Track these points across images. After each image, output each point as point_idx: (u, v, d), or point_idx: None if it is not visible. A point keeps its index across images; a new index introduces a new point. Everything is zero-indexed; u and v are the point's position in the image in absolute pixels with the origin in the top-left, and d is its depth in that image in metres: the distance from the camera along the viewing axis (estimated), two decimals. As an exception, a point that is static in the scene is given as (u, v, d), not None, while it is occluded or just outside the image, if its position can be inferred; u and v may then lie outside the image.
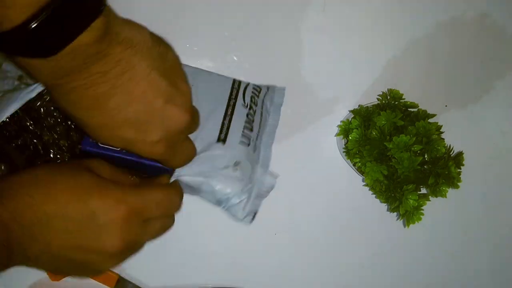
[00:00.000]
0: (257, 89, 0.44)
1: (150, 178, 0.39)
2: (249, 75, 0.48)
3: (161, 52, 0.31)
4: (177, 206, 0.36)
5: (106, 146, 0.37)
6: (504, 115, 0.51)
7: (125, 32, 0.29)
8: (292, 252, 0.49)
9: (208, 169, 0.39)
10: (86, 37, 0.26)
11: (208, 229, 0.47)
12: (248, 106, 0.42)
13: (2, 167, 0.39)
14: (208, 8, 0.47)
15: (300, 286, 0.49)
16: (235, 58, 0.48)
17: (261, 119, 0.43)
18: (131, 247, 0.33)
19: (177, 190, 0.37)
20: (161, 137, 0.32)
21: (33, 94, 0.37)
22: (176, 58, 0.33)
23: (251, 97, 0.43)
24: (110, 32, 0.28)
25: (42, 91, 0.37)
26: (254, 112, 0.42)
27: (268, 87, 0.45)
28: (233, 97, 0.42)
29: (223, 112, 0.41)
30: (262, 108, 0.44)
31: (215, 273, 0.48)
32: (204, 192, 0.40)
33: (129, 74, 0.29)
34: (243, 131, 0.41)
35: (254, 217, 0.41)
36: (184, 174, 0.39)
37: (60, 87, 0.29)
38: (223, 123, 0.41)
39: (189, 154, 0.38)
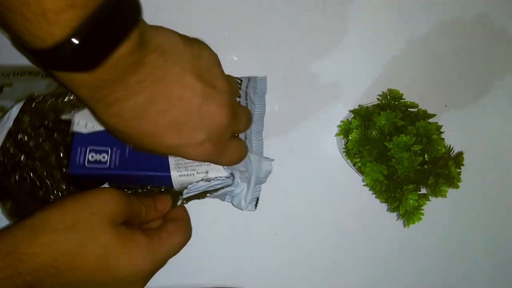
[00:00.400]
0: (238, 81, 0.44)
1: (155, 200, 0.39)
2: (249, 75, 0.48)
3: (194, 53, 0.32)
4: (189, 239, 0.39)
5: (94, 166, 0.38)
6: (504, 115, 0.51)
7: (156, 39, 0.29)
8: (292, 252, 0.49)
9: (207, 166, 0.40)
10: (123, 48, 0.26)
11: (208, 229, 0.47)
12: None
13: (9, 205, 0.39)
14: (208, 8, 0.47)
15: (300, 286, 0.49)
16: (235, 58, 0.48)
17: None
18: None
19: (189, 228, 0.39)
20: (205, 137, 0.32)
21: (10, 123, 0.37)
22: (211, 57, 0.34)
23: None
24: (144, 40, 0.28)
25: (18, 117, 0.38)
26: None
27: (249, 78, 0.46)
28: None
29: None
30: (246, 99, 0.44)
31: (215, 273, 0.48)
32: (210, 193, 0.40)
33: (165, 81, 0.30)
34: None
35: (257, 203, 0.42)
36: (191, 191, 0.40)
37: (101, 102, 0.29)
38: None
39: (240, 152, 0.38)
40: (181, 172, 0.39)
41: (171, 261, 0.47)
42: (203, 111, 0.32)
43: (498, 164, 0.51)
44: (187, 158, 0.35)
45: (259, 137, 0.44)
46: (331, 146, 0.49)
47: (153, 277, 0.47)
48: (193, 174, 0.39)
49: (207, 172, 0.39)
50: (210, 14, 0.47)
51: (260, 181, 0.43)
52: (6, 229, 0.31)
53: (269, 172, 0.43)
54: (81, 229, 0.31)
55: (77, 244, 0.31)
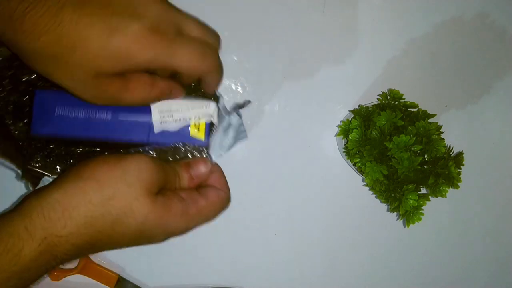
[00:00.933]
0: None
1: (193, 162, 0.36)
2: (249, 75, 0.48)
3: None
4: (226, 209, 0.37)
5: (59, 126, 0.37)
6: (504, 115, 0.51)
7: None
8: (292, 252, 0.49)
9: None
10: None
11: (208, 229, 0.47)
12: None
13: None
14: (208, 8, 0.47)
15: (300, 286, 0.49)
16: (235, 58, 0.48)
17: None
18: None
19: (229, 199, 0.36)
20: (142, 24, 0.29)
21: None
22: None
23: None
24: None
25: None
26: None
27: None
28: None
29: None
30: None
31: (215, 273, 0.48)
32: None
33: None
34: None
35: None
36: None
37: (8, 22, 0.27)
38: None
39: (201, 50, 0.32)
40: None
41: (172, 261, 0.47)
42: None
43: (498, 164, 0.51)
44: (133, 60, 0.29)
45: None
46: (331, 146, 0.49)
47: (153, 277, 0.47)
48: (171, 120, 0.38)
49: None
50: (210, 14, 0.47)
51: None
52: (35, 204, 0.28)
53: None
54: (118, 202, 0.29)
55: (114, 220, 0.29)
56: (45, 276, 0.30)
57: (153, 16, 0.29)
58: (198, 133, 0.38)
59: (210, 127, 0.39)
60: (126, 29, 0.28)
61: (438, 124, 0.43)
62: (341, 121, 0.45)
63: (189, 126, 0.38)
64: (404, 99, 0.44)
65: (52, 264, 0.28)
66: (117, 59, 0.29)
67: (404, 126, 0.41)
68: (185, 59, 0.31)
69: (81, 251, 0.29)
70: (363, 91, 0.49)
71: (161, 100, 0.35)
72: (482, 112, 0.50)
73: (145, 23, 0.29)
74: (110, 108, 0.38)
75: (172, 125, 0.38)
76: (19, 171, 0.40)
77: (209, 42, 0.33)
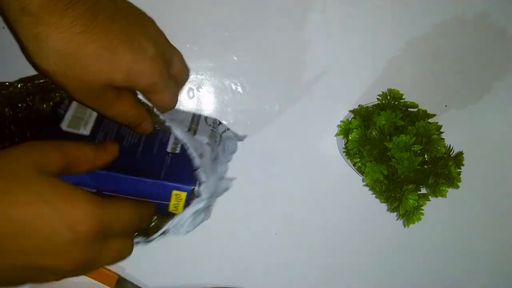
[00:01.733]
0: (216, 121, 0.45)
1: None
2: (249, 75, 0.48)
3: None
4: (145, 224, 0.34)
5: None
6: (504, 115, 0.51)
7: None
8: (292, 252, 0.49)
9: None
10: None
11: (208, 229, 0.47)
12: (211, 126, 0.44)
13: None
14: (208, 8, 0.47)
15: (300, 286, 0.49)
16: (235, 58, 0.48)
17: (219, 147, 0.43)
18: (88, 267, 0.29)
19: (152, 208, 0.34)
20: (154, 50, 0.32)
21: None
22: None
23: (213, 121, 0.45)
24: None
25: None
26: (215, 134, 0.43)
27: (221, 135, 0.45)
28: (196, 117, 0.44)
29: (190, 119, 0.43)
30: (219, 140, 0.44)
31: (215, 273, 0.48)
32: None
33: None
34: (209, 136, 0.42)
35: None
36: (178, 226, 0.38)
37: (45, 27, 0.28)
38: (192, 119, 0.43)
39: (175, 93, 0.36)
40: None
41: (172, 261, 0.47)
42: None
43: (498, 164, 0.51)
44: (143, 83, 0.31)
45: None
46: (331, 146, 0.49)
47: (153, 277, 0.47)
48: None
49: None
50: (210, 14, 0.47)
51: (217, 194, 0.42)
52: None
53: (226, 190, 0.43)
54: (3, 176, 0.26)
55: (4, 191, 0.25)
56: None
57: (161, 45, 0.33)
58: (176, 211, 0.37)
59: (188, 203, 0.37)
60: (146, 52, 0.31)
61: (438, 124, 0.43)
62: (341, 121, 0.45)
63: (168, 203, 0.37)
64: (404, 99, 0.44)
65: None
66: (130, 76, 0.31)
67: (404, 126, 0.41)
68: (166, 98, 0.35)
69: None
70: (363, 91, 0.49)
71: (131, 125, 0.36)
72: (482, 112, 0.50)
73: (158, 49, 0.32)
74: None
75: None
76: None
77: (182, 81, 0.39)
